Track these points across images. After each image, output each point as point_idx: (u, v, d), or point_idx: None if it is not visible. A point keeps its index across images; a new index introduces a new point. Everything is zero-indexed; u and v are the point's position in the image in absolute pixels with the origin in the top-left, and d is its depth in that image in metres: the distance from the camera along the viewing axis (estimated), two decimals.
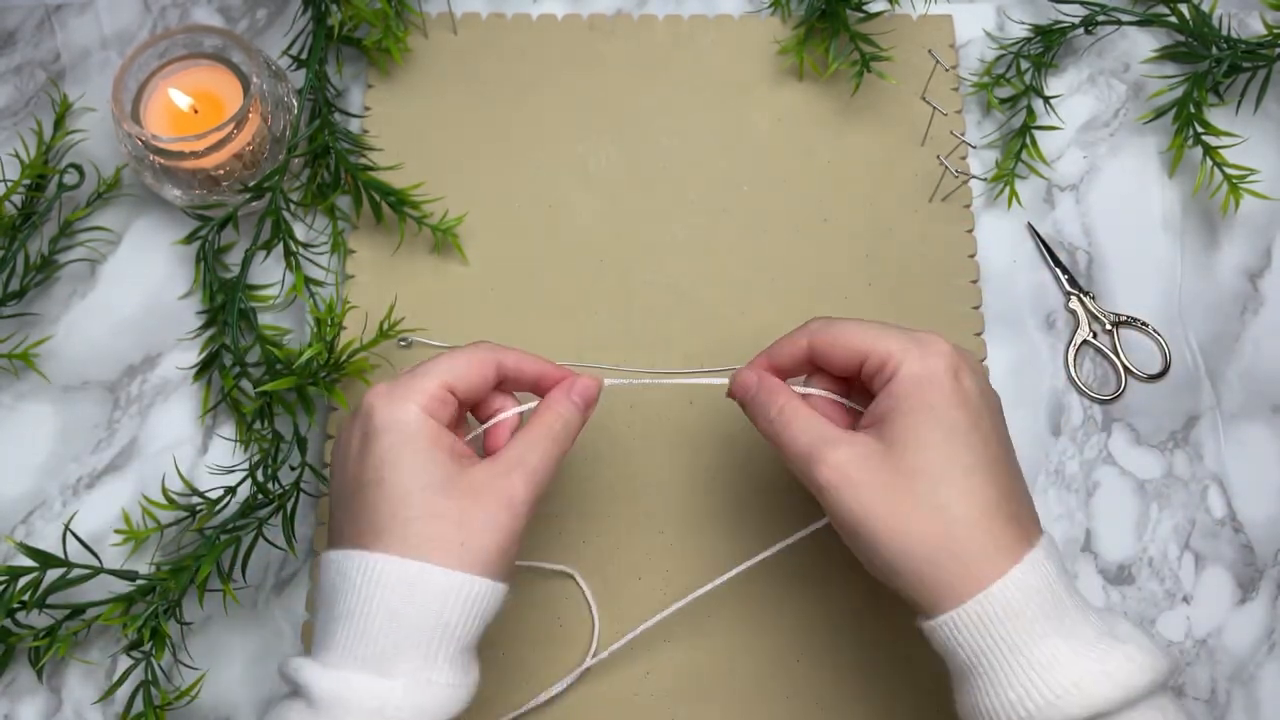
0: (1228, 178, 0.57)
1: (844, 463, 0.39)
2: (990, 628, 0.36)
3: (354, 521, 0.40)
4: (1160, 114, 0.59)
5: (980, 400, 0.40)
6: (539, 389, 0.45)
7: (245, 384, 0.54)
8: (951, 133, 0.58)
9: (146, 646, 0.48)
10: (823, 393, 0.44)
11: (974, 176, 0.59)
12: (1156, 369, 0.56)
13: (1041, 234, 0.59)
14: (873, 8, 0.60)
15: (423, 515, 0.39)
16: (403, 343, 0.56)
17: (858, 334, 0.41)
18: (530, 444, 0.42)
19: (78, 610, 0.50)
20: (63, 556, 0.49)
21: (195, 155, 0.54)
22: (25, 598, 0.48)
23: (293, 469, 0.52)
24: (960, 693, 0.39)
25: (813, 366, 0.45)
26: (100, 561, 0.49)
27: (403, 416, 0.40)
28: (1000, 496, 0.38)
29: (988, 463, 0.39)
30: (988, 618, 0.36)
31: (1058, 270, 0.58)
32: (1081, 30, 0.62)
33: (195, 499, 0.52)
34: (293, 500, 0.51)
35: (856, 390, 0.45)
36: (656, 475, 0.54)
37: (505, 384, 0.45)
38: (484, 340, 0.45)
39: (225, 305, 0.55)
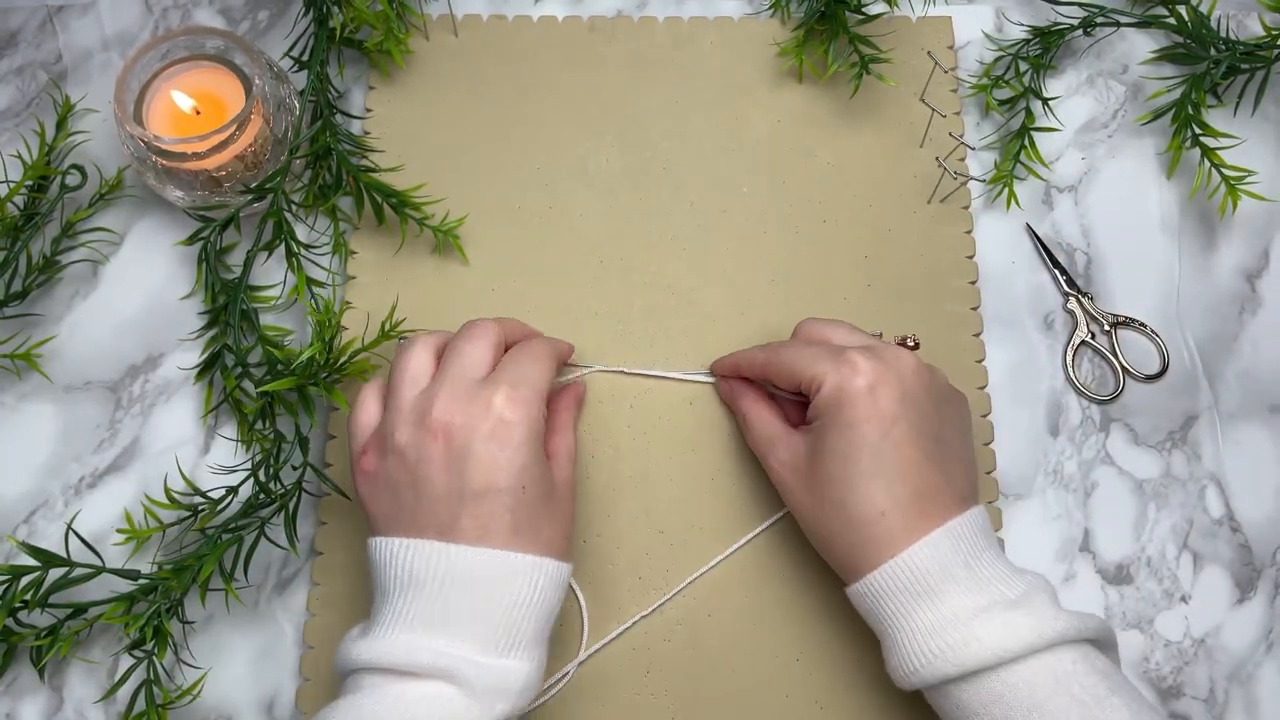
0: (1225, 179, 0.57)
1: (782, 463, 0.48)
2: (881, 600, 0.44)
3: (480, 520, 0.43)
4: (1158, 115, 0.59)
5: (898, 408, 0.45)
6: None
7: (247, 384, 0.54)
8: (950, 134, 0.59)
9: (148, 645, 0.48)
10: (784, 393, 0.51)
11: (972, 178, 0.59)
12: (1154, 369, 0.56)
13: (1040, 235, 0.59)
14: (872, 10, 0.61)
15: (551, 520, 0.45)
16: (403, 342, 0.56)
17: (796, 360, 0.48)
18: (567, 443, 0.50)
19: (79, 609, 0.50)
20: (65, 556, 0.49)
21: (197, 156, 0.54)
22: (27, 597, 0.48)
23: (294, 469, 0.52)
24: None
25: (766, 381, 0.52)
26: (102, 561, 0.50)
27: (538, 429, 0.45)
28: (904, 494, 0.44)
29: (893, 467, 0.44)
30: (880, 592, 0.44)
31: (1056, 271, 0.58)
32: (1080, 32, 0.62)
33: (197, 498, 0.52)
34: (295, 500, 0.51)
35: None
36: (656, 475, 0.54)
37: None
38: (542, 336, 0.52)
39: (227, 306, 0.55)
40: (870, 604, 0.44)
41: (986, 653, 0.41)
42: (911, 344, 0.50)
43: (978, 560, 0.44)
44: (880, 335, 0.52)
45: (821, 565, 0.49)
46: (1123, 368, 0.56)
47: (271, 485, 0.51)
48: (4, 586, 0.49)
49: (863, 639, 0.50)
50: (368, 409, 0.47)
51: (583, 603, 0.51)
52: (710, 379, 0.55)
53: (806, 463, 0.47)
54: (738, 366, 0.53)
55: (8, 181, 0.59)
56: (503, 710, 0.41)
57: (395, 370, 0.47)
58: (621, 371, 0.55)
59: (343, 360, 0.53)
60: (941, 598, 0.42)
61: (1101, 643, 0.43)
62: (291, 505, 0.51)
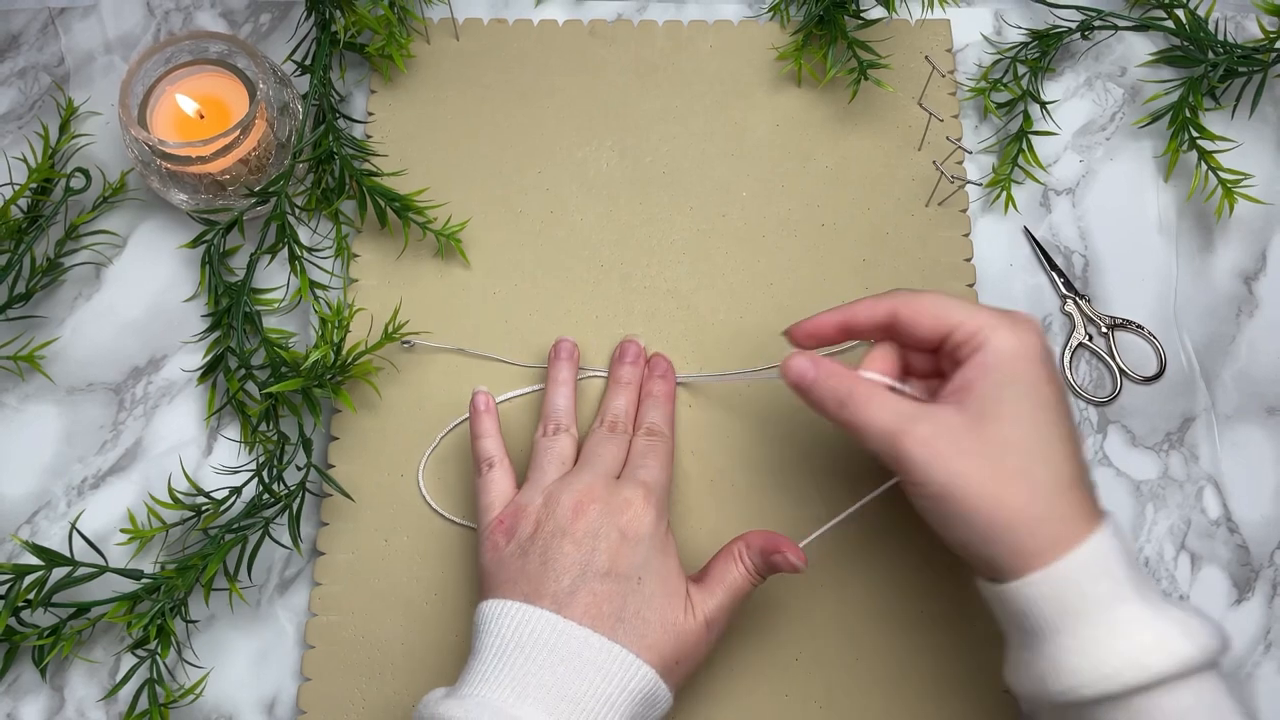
0: (1222, 182, 0.57)
1: (931, 436, 0.41)
2: (1072, 589, 0.38)
3: (597, 599, 0.43)
4: (1156, 118, 0.60)
5: (1061, 377, 0.42)
6: None
7: (250, 386, 0.54)
8: (948, 138, 0.59)
9: (151, 645, 0.49)
10: (880, 378, 0.45)
11: (969, 182, 0.59)
12: (1152, 371, 0.56)
13: (1038, 238, 0.59)
14: (870, 14, 0.61)
15: (663, 629, 0.44)
16: (405, 344, 0.56)
17: (946, 306, 0.43)
18: (732, 578, 0.48)
19: (82, 609, 0.50)
20: (68, 555, 0.49)
21: (201, 160, 0.54)
22: (30, 596, 0.49)
23: (298, 469, 0.52)
24: (1025, 654, 0.40)
25: (883, 334, 0.45)
26: (105, 560, 0.50)
27: (661, 529, 0.47)
28: (1079, 469, 0.41)
29: (1069, 436, 0.41)
30: (1072, 579, 0.38)
31: (1054, 274, 0.58)
32: (1078, 35, 0.62)
33: (200, 499, 0.52)
34: (298, 500, 0.51)
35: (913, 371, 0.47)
36: None
37: None
38: (669, 404, 0.53)
39: (230, 309, 0.55)
40: (1052, 594, 0.39)
41: (1171, 661, 0.37)
42: None
43: (1136, 559, 0.40)
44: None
45: (820, 563, 0.50)
46: (1120, 369, 0.56)
47: (275, 486, 0.52)
48: (7, 586, 0.49)
49: (861, 638, 0.50)
50: (499, 486, 0.49)
51: None
52: (734, 375, 0.55)
53: (969, 432, 0.40)
54: (844, 320, 0.45)
55: (12, 184, 0.59)
56: None
57: (543, 451, 0.50)
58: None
59: (348, 361, 0.53)
60: (1134, 591, 0.39)
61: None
62: (295, 505, 0.51)
